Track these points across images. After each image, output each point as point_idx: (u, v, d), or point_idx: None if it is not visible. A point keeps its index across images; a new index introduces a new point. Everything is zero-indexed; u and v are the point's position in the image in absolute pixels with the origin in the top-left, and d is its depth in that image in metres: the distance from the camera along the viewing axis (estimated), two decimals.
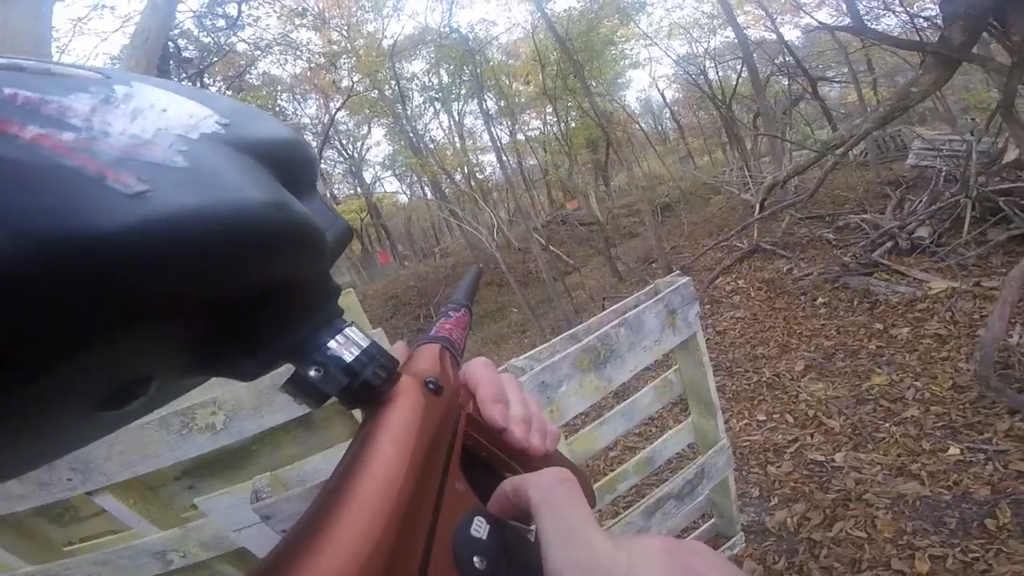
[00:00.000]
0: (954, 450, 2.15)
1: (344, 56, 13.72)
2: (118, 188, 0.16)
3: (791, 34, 15.83)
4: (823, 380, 3.10)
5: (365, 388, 0.28)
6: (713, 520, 1.90)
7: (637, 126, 22.74)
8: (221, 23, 11.25)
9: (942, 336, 3.04)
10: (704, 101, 19.30)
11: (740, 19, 14.34)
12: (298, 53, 13.62)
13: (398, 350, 0.37)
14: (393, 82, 14.05)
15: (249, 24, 11.75)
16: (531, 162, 22.71)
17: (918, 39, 6.82)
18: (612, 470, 1.67)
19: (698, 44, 17.97)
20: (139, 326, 0.18)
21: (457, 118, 18.50)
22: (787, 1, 14.79)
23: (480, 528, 0.26)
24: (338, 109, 15.48)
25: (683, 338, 1.43)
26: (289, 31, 12.91)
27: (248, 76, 13.68)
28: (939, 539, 1.79)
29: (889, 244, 4.46)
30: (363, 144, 19.31)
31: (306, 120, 16.17)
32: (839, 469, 2.29)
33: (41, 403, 0.16)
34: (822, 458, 2.40)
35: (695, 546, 0.23)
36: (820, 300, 4.19)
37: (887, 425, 2.47)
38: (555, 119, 16.96)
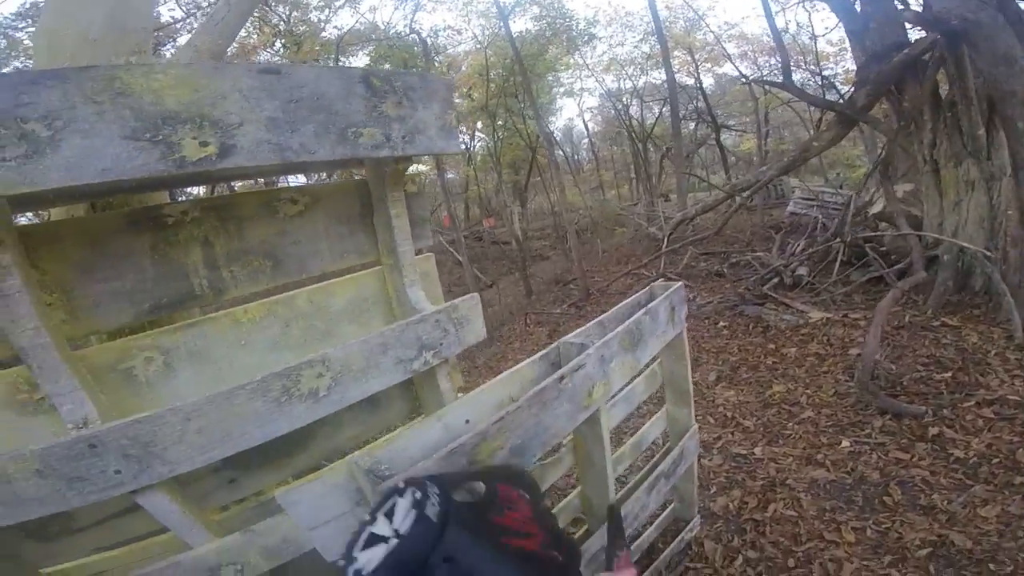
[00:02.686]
0: (845, 443, 2.58)
1: (280, 40, 12.66)
2: None
3: (706, 81, 17.66)
4: (733, 388, 3.55)
5: None
6: (672, 505, 2.12)
7: (560, 152, 23.86)
8: None
9: (821, 355, 3.65)
10: (621, 136, 20.75)
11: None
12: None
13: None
14: None
15: None
16: (450, 175, 22.74)
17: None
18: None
19: (628, 81, 19.26)
20: None
21: None
22: (713, 49, 16.39)
23: None
24: None
25: (676, 332, 1.63)
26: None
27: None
28: (853, 514, 2.12)
29: (776, 280, 5.27)
30: None
31: None
32: (760, 460, 2.62)
33: None
34: (744, 452, 2.73)
35: None
36: (722, 324, 4.78)
37: (791, 424, 2.89)
38: (485, 135, 17.19)
